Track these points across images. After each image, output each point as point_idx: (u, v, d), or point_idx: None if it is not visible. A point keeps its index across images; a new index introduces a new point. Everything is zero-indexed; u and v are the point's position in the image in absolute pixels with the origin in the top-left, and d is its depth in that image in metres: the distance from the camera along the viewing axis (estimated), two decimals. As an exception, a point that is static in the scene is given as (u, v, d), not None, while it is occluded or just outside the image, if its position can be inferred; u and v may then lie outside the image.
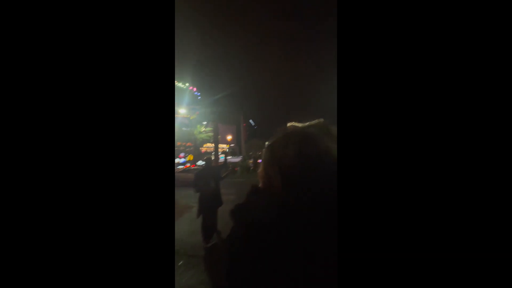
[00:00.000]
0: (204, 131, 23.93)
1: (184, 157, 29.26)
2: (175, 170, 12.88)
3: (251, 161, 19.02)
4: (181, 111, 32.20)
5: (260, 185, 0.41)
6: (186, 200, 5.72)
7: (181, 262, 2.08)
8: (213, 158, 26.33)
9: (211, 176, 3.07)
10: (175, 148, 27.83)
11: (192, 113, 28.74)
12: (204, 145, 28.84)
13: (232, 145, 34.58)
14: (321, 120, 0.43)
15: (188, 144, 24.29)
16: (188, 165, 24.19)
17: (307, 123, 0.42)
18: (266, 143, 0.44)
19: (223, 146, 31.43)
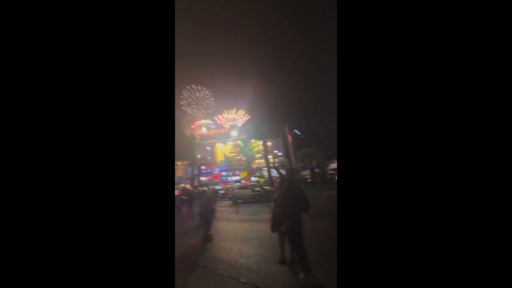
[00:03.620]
0: (253, 148, 25.51)
1: (239, 174, 32.25)
2: (234, 188, 14.16)
3: (306, 173, 17.52)
4: (234, 133, 36.90)
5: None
6: (245, 216, 5.69)
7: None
8: (265, 173, 27.08)
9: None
10: (231, 167, 31.84)
11: (241, 134, 32.12)
12: (255, 161, 30.38)
13: (281, 158, 34.17)
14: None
15: (242, 162, 26.55)
16: (244, 181, 26.19)
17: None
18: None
19: (271, 160, 31.68)
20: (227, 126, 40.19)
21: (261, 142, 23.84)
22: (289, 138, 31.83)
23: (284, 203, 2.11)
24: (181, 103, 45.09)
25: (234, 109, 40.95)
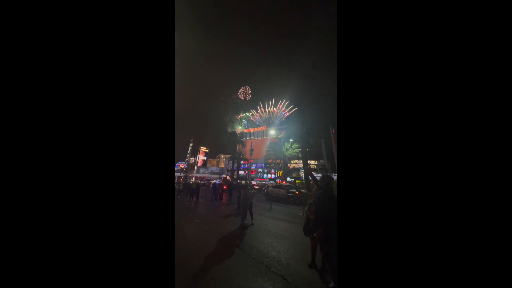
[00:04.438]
0: (291, 148, 24.80)
1: (275, 173, 32.41)
2: (268, 185, 14.58)
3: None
4: (271, 132, 37.12)
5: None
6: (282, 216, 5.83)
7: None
8: (301, 174, 25.84)
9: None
10: (267, 165, 32.39)
11: (279, 133, 31.82)
12: (292, 161, 29.43)
13: (321, 161, 31.21)
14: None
15: (278, 161, 26.52)
16: (279, 181, 26.19)
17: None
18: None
19: (311, 162, 29.59)
20: (263, 123, 40.58)
21: (296, 145, 22.75)
22: (334, 140, 28.50)
23: (318, 211, 2.12)
24: (221, 104, 49.33)
25: (273, 100, 40.52)
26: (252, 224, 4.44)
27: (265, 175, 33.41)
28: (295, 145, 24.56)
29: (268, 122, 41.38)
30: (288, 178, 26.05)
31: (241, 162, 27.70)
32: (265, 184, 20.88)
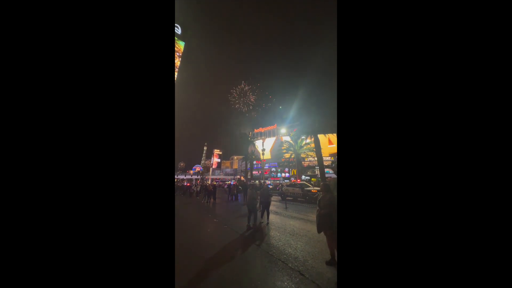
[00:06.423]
0: (304, 145, 24.20)
1: (288, 172, 31.91)
2: (283, 184, 14.41)
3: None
4: (282, 131, 36.66)
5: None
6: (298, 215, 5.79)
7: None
8: (317, 172, 25.04)
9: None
10: (281, 164, 32.09)
11: (291, 130, 31.24)
12: (306, 159, 28.66)
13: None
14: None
15: (292, 159, 26.10)
16: (293, 179, 25.76)
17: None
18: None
19: (327, 159, 28.49)
20: (272, 121, 40.34)
21: (310, 142, 22.07)
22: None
23: (325, 206, 2.17)
24: (231, 100, 50.29)
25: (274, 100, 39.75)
26: (268, 223, 4.53)
27: (278, 174, 33.12)
28: (309, 142, 23.88)
29: (279, 121, 41.06)
30: (303, 176, 25.47)
31: (254, 162, 27.88)
32: (279, 183, 20.75)
